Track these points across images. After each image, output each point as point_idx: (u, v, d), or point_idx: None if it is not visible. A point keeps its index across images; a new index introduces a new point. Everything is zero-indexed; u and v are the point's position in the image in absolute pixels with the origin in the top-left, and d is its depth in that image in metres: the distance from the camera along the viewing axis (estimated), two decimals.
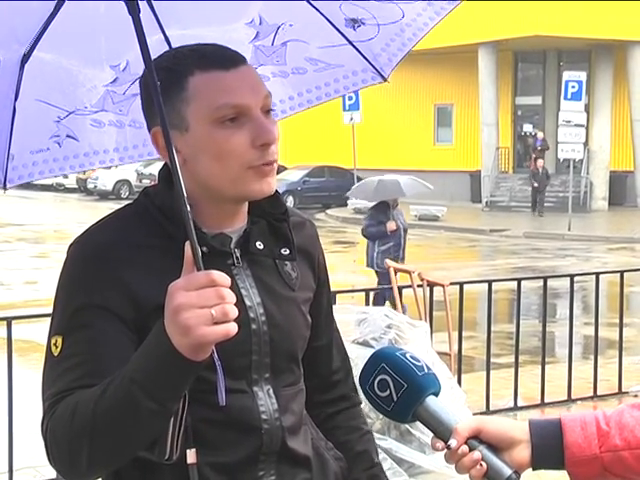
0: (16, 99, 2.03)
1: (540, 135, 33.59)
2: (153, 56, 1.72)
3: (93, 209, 32.61)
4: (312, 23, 2.13)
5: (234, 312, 1.48)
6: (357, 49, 2.16)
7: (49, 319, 1.76)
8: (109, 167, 2.18)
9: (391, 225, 11.34)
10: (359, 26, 2.14)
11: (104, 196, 38.85)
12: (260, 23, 2.14)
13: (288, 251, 1.87)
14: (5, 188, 2.12)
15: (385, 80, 2.21)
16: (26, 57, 2.01)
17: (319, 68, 2.17)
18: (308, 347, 1.94)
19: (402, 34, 2.18)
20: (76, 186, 41.61)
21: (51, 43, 1.99)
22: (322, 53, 2.16)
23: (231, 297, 1.48)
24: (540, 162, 30.85)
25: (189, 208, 1.58)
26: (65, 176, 41.72)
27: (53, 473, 5.58)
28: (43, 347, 1.76)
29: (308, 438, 1.93)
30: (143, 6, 1.81)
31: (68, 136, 2.10)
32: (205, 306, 1.46)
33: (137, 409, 1.54)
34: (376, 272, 11.47)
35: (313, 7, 2.11)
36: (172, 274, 1.53)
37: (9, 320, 5.48)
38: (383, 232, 11.36)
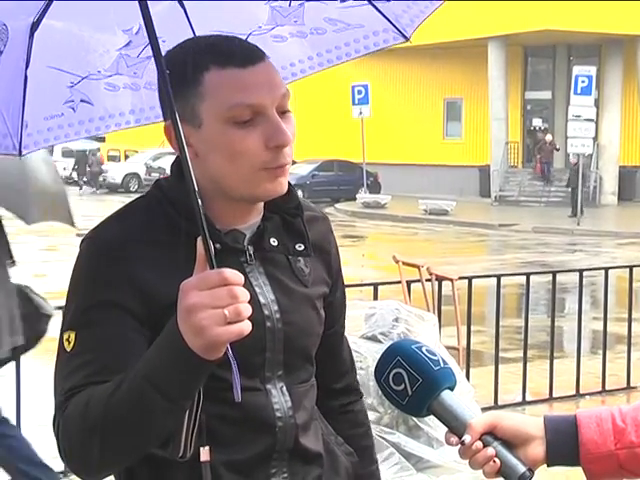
0: (27, 67, 2.01)
1: (549, 138, 33.19)
2: (165, 21, 1.66)
3: (102, 202, 32.66)
4: None
5: (248, 311, 1.45)
6: (377, 9, 2.12)
7: (58, 312, 1.75)
8: (124, 129, 2.16)
9: None
10: None
11: (113, 189, 38.89)
12: None
13: (303, 247, 1.84)
14: (21, 154, 2.10)
15: (407, 40, 2.17)
16: (35, 25, 1.99)
17: (338, 28, 2.13)
18: (323, 335, 1.92)
19: None
20: (85, 179, 41.66)
21: (61, 11, 1.96)
22: (341, 13, 2.11)
23: (244, 295, 1.45)
24: (573, 159, 27.75)
25: (201, 202, 1.54)
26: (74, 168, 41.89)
27: (60, 466, 5.58)
28: (52, 341, 1.75)
29: (319, 434, 1.91)
30: None
31: (82, 101, 2.08)
32: (218, 306, 1.43)
33: (149, 407, 1.53)
34: None
35: None
36: (185, 270, 1.51)
37: None
38: None
